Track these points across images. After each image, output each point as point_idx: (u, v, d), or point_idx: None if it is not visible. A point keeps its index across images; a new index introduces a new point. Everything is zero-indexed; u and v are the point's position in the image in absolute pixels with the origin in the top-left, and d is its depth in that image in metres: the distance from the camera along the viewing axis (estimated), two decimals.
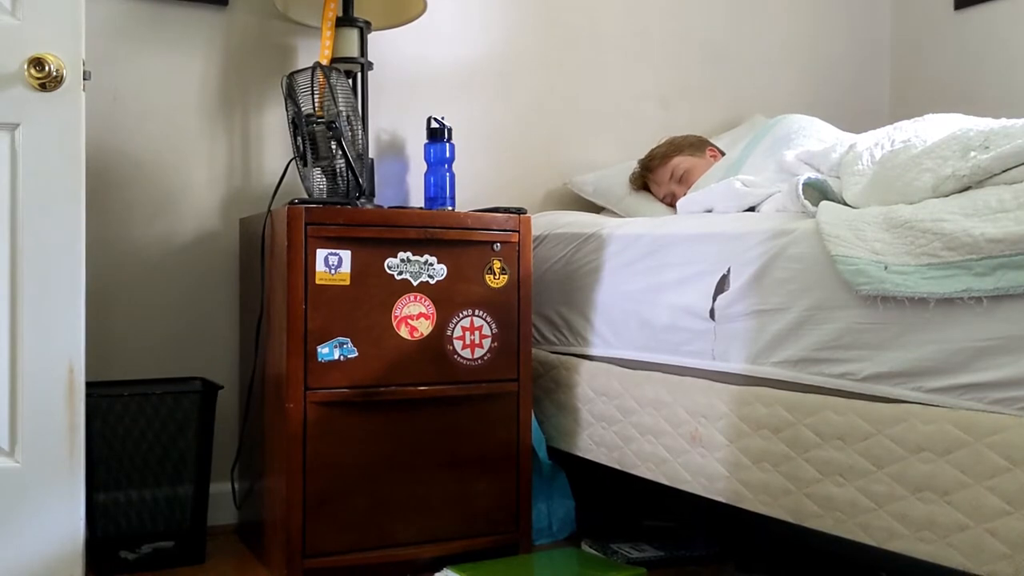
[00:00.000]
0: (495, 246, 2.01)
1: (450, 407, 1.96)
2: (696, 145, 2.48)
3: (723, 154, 2.46)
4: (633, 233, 1.97)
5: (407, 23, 2.39)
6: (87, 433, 1.79)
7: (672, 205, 2.38)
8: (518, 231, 2.04)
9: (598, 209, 2.60)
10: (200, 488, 2.02)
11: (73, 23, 1.75)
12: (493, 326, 2.01)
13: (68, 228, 1.75)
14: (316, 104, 2.03)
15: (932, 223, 1.32)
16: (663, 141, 2.52)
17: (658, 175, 2.45)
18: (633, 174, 2.53)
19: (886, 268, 1.35)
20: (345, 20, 2.22)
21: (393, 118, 2.51)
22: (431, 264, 1.95)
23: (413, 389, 1.93)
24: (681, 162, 2.42)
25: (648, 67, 2.83)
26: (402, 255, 1.92)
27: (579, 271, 2.12)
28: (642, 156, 2.55)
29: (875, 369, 1.39)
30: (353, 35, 2.23)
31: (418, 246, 1.94)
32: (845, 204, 1.63)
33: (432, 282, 1.95)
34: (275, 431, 1.90)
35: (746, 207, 1.88)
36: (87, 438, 1.79)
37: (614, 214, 2.51)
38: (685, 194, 2.32)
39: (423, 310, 1.94)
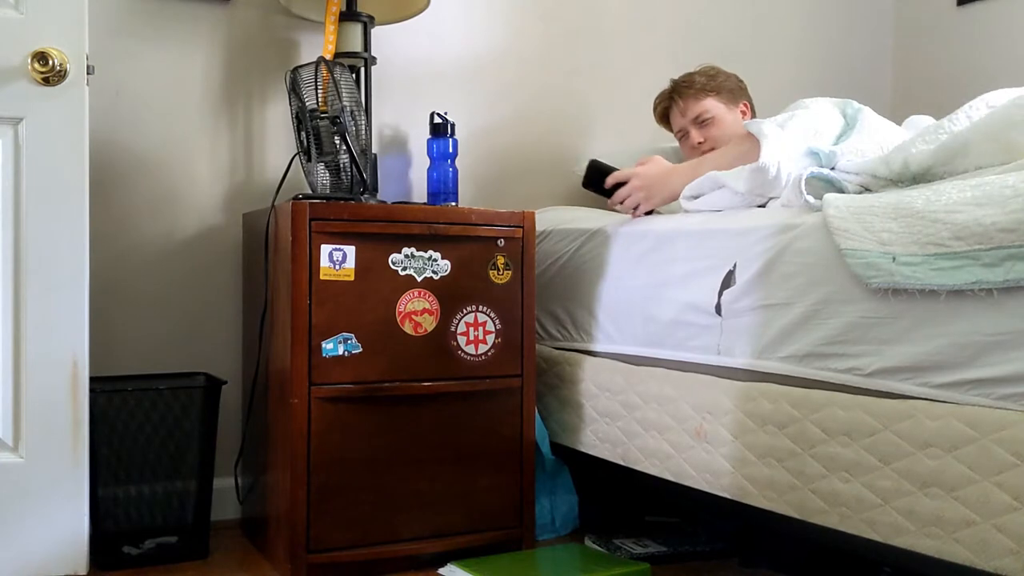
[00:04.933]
0: (499, 242, 2.01)
1: (454, 403, 1.96)
2: (735, 92, 2.38)
3: (755, 114, 2.40)
4: (638, 229, 1.97)
5: (410, 18, 2.39)
6: (91, 428, 1.79)
7: (684, 142, 2.35)
8: (522, 227, 2.03)
9: (602, 205, 2.59)
10: (204, 483, 2.02)
11: (76, 17, 1.75)
12: (497, 322, 2.00)
13: (72, 223, 1.75)
14: (320, 99, 2.03)
15: (945, 213, 1.31)
16: (706, 67, 2.40)
17: (687, 107, 2.35)
18: (661, 95, 2.43)
19: (894, 259, 1.34)
20: (349, 15, 2.22)
21: (396, 113, 2.51)
22: (435, 260, 1.94)
23: (417, 385, 1.92)
24: (713, 107, 2.32)
25: (652, 63, 2.82)
26: (406, 251, 1.92)
27: (583, 267, 2.12)
28: (644, 153, 2.54)
29: (882, 364, 1.39)
30: (357, 30, 2.22)
31: (422, 242, 1.93)
32: (865, 192, 1.60)
33: (436, 278, 1.95)
34: (279, 426, 1.90)
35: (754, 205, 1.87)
36: (91, 433, 1.79)
37: None
38: (700, 139, 2.29)
39: (427, 306, 1.94)
